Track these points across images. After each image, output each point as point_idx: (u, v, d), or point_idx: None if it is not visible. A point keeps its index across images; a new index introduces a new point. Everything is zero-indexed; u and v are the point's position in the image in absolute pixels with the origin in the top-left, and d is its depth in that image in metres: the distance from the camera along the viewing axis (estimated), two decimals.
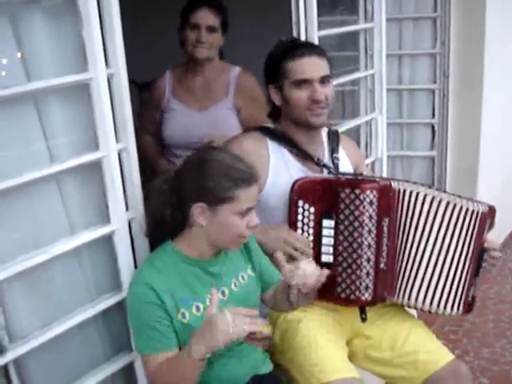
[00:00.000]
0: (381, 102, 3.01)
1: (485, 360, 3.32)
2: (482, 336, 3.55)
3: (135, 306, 1.72)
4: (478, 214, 2.07)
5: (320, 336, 2.02)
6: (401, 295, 2.11)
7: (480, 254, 2.11)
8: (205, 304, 1.75)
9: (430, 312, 2.11)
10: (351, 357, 2.11)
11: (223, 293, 1.81)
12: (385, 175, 3.09)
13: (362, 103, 3.07)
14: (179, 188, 1.74)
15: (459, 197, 2.10)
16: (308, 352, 1.98)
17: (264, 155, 2.10)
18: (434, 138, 3.88)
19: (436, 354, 2.09)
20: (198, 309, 1.75)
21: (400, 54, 3.80)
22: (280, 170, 2.09)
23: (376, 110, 3.01)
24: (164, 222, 1.76)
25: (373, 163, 3.05)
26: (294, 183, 2.04)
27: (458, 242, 2.08)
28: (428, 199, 2.07)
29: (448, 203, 2.07)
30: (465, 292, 2.10)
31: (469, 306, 2.14)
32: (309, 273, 1.71)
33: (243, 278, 1.88)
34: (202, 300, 1.76)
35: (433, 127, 3.88)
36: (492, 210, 2.14)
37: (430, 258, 2.09)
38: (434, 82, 3.81)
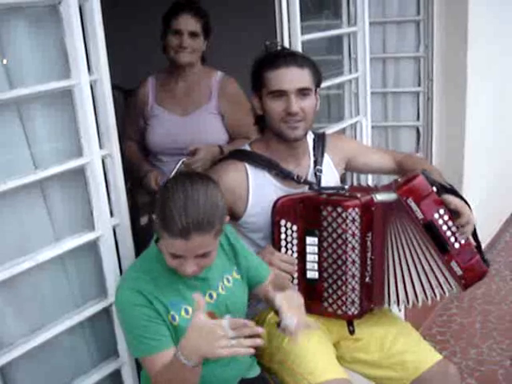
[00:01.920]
0: (365, 105, 3.02)
1: (472, 360, 3.34)
2: (470, 337, 3.57)
3: (125, 310, 1.71)
4: (392, 204, 2.04)
5: (307, 338, 2.01)
6: (391, 302, 2.13)
7: (428, 231, 2.05)
8: (193, 307, 1.75)
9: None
10: (339, 359, 2.11)
11: (211, 296, 1.80)
12: (370, 178, 3.10)
13: (347, 106, 3.08)
14: None
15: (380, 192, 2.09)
16: (296, 354, 1.98)
17: (243, 185, 2.08)
18: (418, 140, 3.90)
19: (424, 354, 2.11)
20: (186, 311, 1.75)
21: (384, 57, 3.82)
22: (260, 194, 2.08)
23: (360, 113, 3.03)
24: None
25: None
26: (275, 203, 2.04)
27: (401, 236, 2.07)
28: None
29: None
30: (444, 272, 2.08)
31: (468, 277, 2.09)
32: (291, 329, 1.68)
33: (228, 280, 1.88)
34: (190, 303, 1.74)
35: (418, 130, 3.90)
36: (408, 190, 2.03)
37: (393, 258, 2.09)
38: (419, 85, 3.83)
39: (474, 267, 2.11)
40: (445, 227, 2.05)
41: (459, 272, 2.08)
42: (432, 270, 2.08)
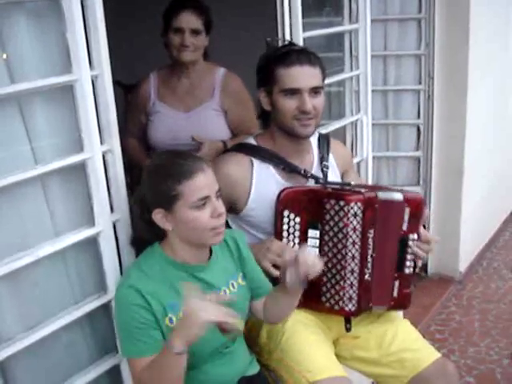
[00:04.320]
0: (366, 102, 3.02)
1: (470, 359, 3.34)
2: (468, 335, 3.57)
3: (121, 308, 1.71)
4: (393, 203, 2.08)
5: (306, 336, 2.03)
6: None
7: (400, 245, 2.10)
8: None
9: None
10: (338, 357, 2.11)
11: None
12: (370, 176, 3.10)
13: (347, 104, 3.08)
14: (142, 199, 1.75)
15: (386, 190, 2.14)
16: (295, 352, 1.99)
17: (246, 177, 2.08)
18: (419, 138, 3.91)
19: (423, 352, 2.11)
20: None
21: (385, 54, 3.82)
22: (262, 187, 2.09)
23: (361, 110, 3.02)
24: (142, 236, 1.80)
25: (358, 164, 3.06)
26: (280, 193, 2.04)
27: (386, 236, 2.10)
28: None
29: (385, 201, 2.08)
30: (387, 287, 2.12)
31: (397, 302, 2.14)
32: (310, 259, 1.73)
33: (233, 286, 1.87)
34: None
35: (418, 128, 3.90)
36: (412, 200, 2.10)
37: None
38: (419, 83, 3.83)
39: (406, 296, 2.17)
40: (410, 250, 2.12)
41: (395, 293, 2.14)
42: (386, 278, 2.12)
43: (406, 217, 2.08)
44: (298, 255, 1.73)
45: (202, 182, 1.67)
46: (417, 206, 2.10)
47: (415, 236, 2.11)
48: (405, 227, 2.09)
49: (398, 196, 2.08)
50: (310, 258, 1.74)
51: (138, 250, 1.87)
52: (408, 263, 2.13)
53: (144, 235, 1.80)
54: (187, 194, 1.66)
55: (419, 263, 2.16)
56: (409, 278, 2.15)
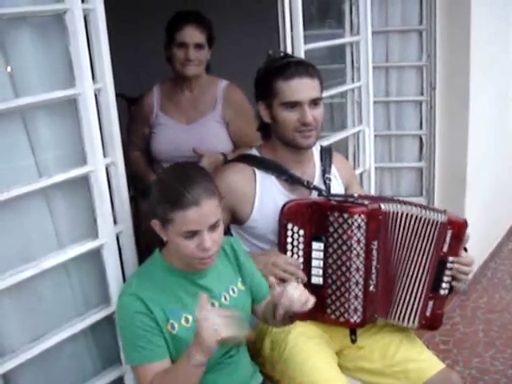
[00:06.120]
0: (368, 114, 3.03)
1: (475, 369, 3.32)
2: (472, 346, 3.56)
3: (124, 316, 1.73)
4: (433, 223, 2.07)
5: (309, 347, 2.02)
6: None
7: (438, 266, 2.10)
8: (193, 315, 1.75)
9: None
10: (342, 367, 2.11)
11: (213, 305, 1.80)
12: (373, 187, 3.10)
13: (349, 116, 3.09)
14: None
15: (427, 208, 2.11)
16: (298, 363, 1.98)
17: (250, 188, 2.09)
18: (421, 149, 3.90)
19: (427, 362, 2.10)
20: (186, 320, 1.75)
21: (387, 66, 3.83)
22: (265, 198, 2.09)
23: (363, 122, 3.03)
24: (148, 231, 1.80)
25: (361, 175, 3.07)
26: (284, 206, 2.05)
27: (414, 252, 2.09)
28: (406, 218, 2.08)
29: (411, 216, 2.07)
30: (419, 305, 2.11)
31: (429, 322, 2.13)
32: (295, 298, 1.69)
33: (233, 291, 1.88)
34: (191, 311, 1.76)
35: (420, 139, 3.90)
36: (455, 223, 2.10)
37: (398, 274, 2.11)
38: (421, 94, 3.83)
39: (438, 317, 2.14)
40: (448, 272, 2.10)
41: (428, 313, 2.12)
42: (416, 297, 2.11)
43: (448, 238, 2.08)
44: (283, 295, 1.70)
45: (193, 217, 1.64)
46: (460, 229, 2.10)
47: (455, 258, 2.10)
48: (446, 249, 2.08)
49: (442, 218, 2.08)
50: (295, 296, 1.70)
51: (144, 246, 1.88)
52: (444, 285, 2.11)
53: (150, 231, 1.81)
54: (177, 223, 1.66)
55: (458, 285, 2.14)
56: (443, 299, 2.13)
